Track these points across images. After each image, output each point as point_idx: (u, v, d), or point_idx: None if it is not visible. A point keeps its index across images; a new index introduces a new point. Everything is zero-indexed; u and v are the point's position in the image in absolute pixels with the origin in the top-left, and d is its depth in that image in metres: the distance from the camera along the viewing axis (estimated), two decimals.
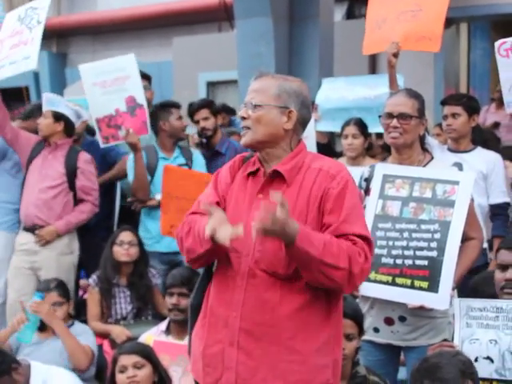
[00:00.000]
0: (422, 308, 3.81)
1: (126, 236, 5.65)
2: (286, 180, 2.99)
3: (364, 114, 6.05)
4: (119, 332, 5.36)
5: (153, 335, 4.93)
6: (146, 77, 7.11)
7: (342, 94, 6.39)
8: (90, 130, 6.77)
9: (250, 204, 3.01)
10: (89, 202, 6.04)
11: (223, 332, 2.98)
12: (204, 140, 6.60)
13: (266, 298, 2.92)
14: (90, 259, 6.04)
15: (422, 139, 4.11)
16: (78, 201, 6.05)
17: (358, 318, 3.86)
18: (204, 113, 6.52)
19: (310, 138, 6.04)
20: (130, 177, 6.13)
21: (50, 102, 6.12)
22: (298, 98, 3.07)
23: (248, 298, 2.94)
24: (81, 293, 6.47)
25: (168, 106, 6.31)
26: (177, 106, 6.37)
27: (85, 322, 5.73)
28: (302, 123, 3.12)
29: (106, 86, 6.23)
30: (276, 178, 3.02)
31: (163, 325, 5.04)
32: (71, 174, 6.00)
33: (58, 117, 6.04)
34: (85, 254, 6.14)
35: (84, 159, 6.07)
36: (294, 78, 3.17)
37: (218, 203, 3.07)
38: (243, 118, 3.06)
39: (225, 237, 2.80)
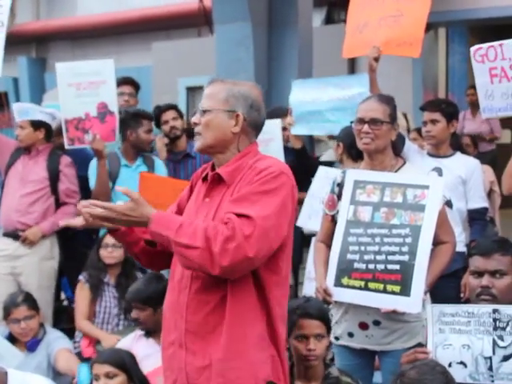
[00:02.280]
0: (394, 312, 3.83)
1: (110, 238, 5.56)
2: (226, 181, 3.06)
3: (338, 115, 6.05)
4: (113, 344, 5.23)
5: (129, 345, 4.89)
6: (134, 84, 7.08)
7: (315, 97, 6.40)
8: None
9: (197, 208, 3.11)
10: (72, 205, 6.05)
11: (174, 334, 3.07)
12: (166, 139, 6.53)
13: (208, 298, 2.99)
14: (72, 266, 6.03)
15: (394, 144, 4.14)
16: (60, 204, 6.07)
17: (324, 318, 3.90)
18: (172, 113, 6.49)
19: (275, 141, 6.05)
20: (92, 182, 6.10)
21: (24, 112, 6.11)
22: (246, 101, 3.11)
23: (191, 299, 3.02)
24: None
25: (139, 117, 6.21)
26: (149, 117, 6.30)
27: (64, 330, 5.71)
28: (254, 126, 3.16)
29: (81, 88, 6.16)
30: (222, 180, 3.08)
31: None
32: (54, 177, 6.05)
33: (36, 125, 6.05)
34: (67, 261, 6.14)
35: (65, 163, 6.12)
36: (245, 83, 3.23)
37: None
38: (195, 124, 3.12)
39: None
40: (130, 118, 6.16)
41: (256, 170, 3.01)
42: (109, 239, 5.62)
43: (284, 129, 6.26)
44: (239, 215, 2.89)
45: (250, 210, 2.89)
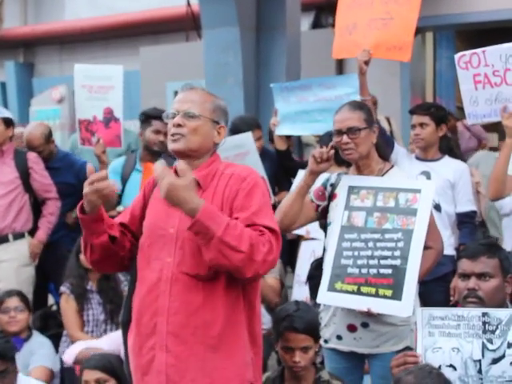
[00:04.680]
0: (369, 314, 3.85)
1: None
2: (201, 186, 3.14)
3: (326, 115, 6.03)
4: None
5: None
6: None
7: (301, 97, 6.40)
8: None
9: (167, 211, 3.14)
10: (52, 200, 6.11)
11: (152, 339, 3.09)
12: None
13: (190, 300, 3.04)
14: (58, 272, 5.99)
15: (377, 147, 4.15)
16: (39, 201, 6.11)
17: (311, 331, 3.92)
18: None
19: (251, 153, 6.00)
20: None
21: None
22: (226, 116, 3.31)
23: (172, 302, 3.06)
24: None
25: (149, 117, 5.92)
26: (159, 117, 5.99)
27: (51, 336, 5.68)
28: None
29: (92, 91, 6.28)
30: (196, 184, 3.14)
31: None
32: (25, 175, 6.05)
33: (7, 122, 6.04)
34: (53, 267, 6.11)
35: (33, 159, 6.13)
36: (220, 97, 3.34)
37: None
38: (178, 126, 3.16)
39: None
40: (142, 119, 5.97)
41: (236, 177, 3.15)
42: None
43: (258, 139, 6.22)
44: (267, 228, 3.03)
45: (271, 223, 3.07)
